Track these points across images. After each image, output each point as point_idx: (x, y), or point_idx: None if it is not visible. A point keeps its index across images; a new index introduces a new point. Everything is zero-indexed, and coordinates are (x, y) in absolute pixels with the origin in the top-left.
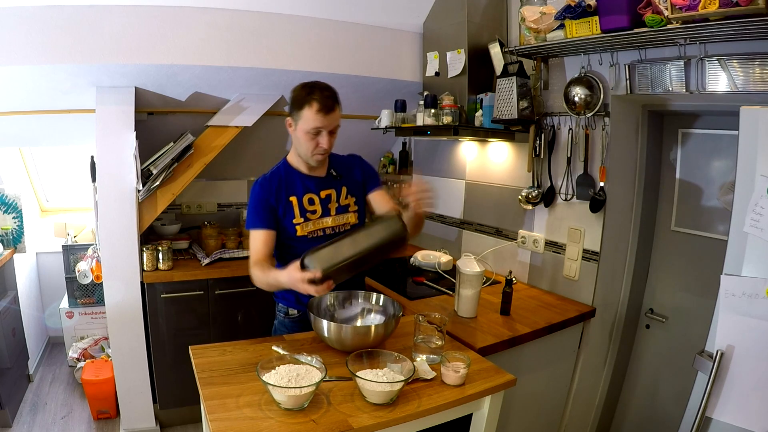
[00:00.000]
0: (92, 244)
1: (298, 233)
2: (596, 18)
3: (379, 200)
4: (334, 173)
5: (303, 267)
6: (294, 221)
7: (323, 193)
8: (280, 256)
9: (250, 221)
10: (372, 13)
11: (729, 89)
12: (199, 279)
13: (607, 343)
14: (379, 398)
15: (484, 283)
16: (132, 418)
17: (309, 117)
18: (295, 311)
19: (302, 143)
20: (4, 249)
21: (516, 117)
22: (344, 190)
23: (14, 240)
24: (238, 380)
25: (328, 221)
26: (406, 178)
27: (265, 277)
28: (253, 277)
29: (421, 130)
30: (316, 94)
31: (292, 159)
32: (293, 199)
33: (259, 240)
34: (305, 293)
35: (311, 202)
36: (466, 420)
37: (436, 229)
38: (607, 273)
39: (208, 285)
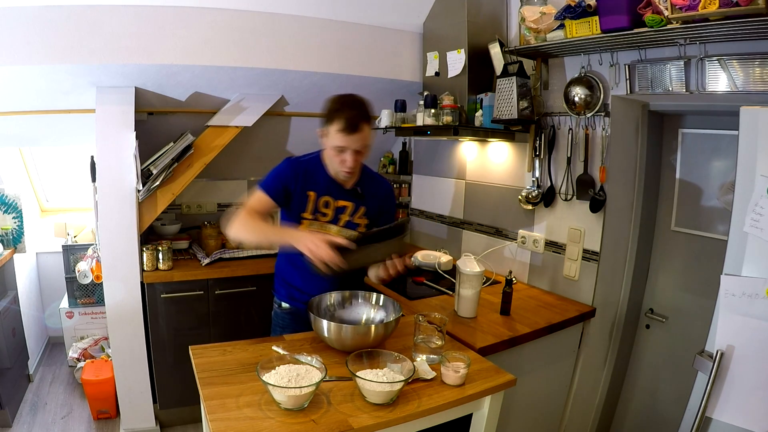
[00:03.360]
0: (92, 244)
1: (302, 227)
2: (596, 18)
3: None
4: (359, 191)
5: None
6: (303, 215)
7: (340, 203)
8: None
9: (263, 183)
10: (372, 13)
11: (729, 89)
12: (199, 279)
13: (607, 343)
14: (379, 398)
15: (484, 283)
16: (132, 418)
17: (333, 134)
18: (287, 305)
19: (330, 158)
20: (4, 249)
21: (516, 117)
22: (362, 209)
23: (14, 240)
24: (238, 380)
25: (333, 229)
26: (407, 178)
27: (266, 230)
28: (244, 225)
29: (421, 130)
30: (343, 111)
31: (325, 158)
32: (311, 194)
33: (260, 200)
34: (312, 254)
35: (326, 205)
36: (466, 420)
37: (436, 229)
38: (607, 273)
39: (208, 285)
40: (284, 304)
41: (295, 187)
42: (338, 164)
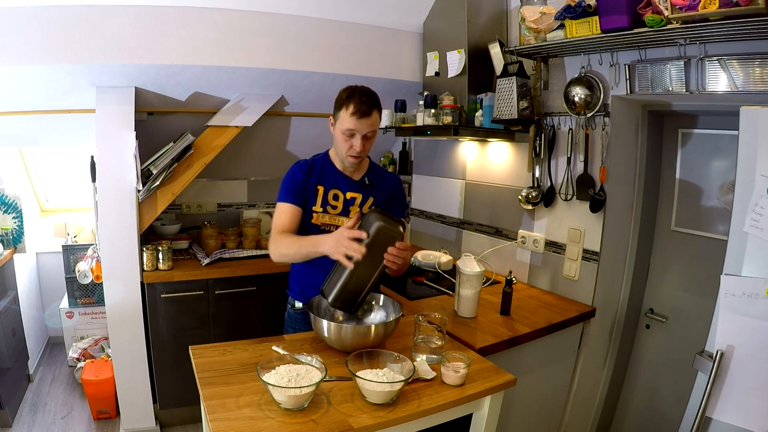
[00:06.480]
0: (92, 244)
1: (313, 220)
2: (596, 18)
3: None
4: (367, 182)
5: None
6: (313, 208)
7: (349, 195)
8: None
9: (281, 195)
10: (372, 13)
11: (729, 89)
12: (199, 279)
13: (607, 343)
14: (379, 398)
15: (484, 283)
16: (132, 418)
17: (344, 118)
18: (300, 305)
19: (338, 143)
20: (4, 249)
21: (516, 117)
22: (371, 200)
23: (14, 240)
24: (238, 380)
25: (343, 221)
26: (407, 178)
27: (298, 243)
28: (278, 245)
29: (421, 130)
30: (354, 97)
31: (332, 154)
32: (320, 188)
33: (286, 214)
34: (343, 252)
35: (336, 197)
36: (466, 420)
37: (436, 229)
38: (607, 273)
39: (208, 285)
40: (297, 304)
41: (307, 182)
42: (346, 149)
